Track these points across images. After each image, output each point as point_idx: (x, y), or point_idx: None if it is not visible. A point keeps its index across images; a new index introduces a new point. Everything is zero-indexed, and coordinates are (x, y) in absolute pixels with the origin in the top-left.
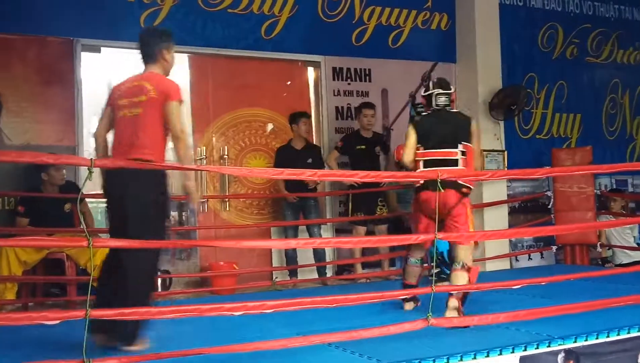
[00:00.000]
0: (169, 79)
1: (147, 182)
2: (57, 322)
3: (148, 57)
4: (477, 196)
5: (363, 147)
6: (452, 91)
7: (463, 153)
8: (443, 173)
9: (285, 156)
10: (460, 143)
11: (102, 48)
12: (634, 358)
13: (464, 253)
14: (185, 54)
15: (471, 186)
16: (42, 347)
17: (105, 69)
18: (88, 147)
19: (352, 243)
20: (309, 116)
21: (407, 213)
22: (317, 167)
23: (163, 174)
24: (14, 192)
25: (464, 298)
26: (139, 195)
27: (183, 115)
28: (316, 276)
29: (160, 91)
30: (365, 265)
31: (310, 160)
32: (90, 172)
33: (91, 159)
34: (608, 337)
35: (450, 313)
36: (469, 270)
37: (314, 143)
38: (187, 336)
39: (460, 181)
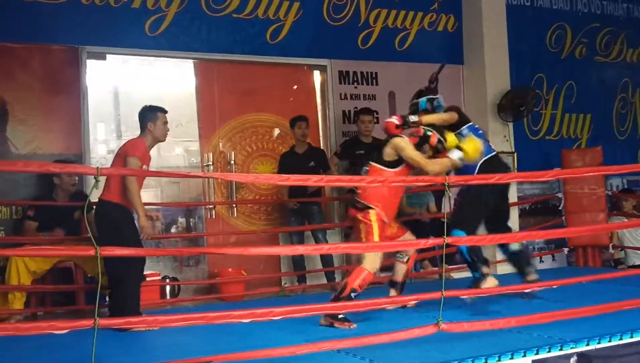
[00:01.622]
0: (138, 141)
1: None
2: (66, 331)
3: (141, 128)
4: None
5: (362, 152)
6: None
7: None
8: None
9: (287, 162)
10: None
11: (107, 55)
12: None
13: (368, 259)
14: (191, 60)
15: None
16: (51, 356)
17: (111, 76)
18: (95, 154)
19: (361, 249)
20: (305, 119)
21: (412, 219)
22: (321, 170)
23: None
24: (23, 201)
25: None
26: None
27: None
28: (325, 281)
29: (123, 150)
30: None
31: (312, 163)
32: (97, 181)
33: (97, 167)
34: (621, 339)
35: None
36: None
37: (321, 146)
38: (196, 344)
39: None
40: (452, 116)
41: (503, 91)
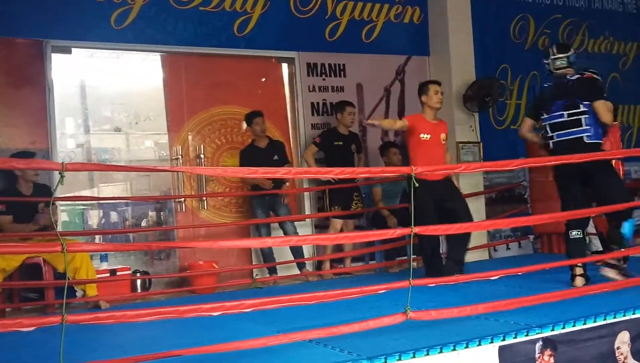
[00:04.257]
0: (415, 115)
1: None
2: (33, 328)
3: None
4: None
5: (340, 143)
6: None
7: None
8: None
9: (250, 156)
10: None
11: (72, 49)
12: (610, 345)
13: None
14: (158, 53)
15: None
16: (18, 354)
17: (77, 70)
18: (63, 148)
19: (329, 240)
20: (262, 114)
21: (387, 208)
22: (283, 163)
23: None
24: None
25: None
26: None
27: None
28: (296, 271)
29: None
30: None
31: (276, 157)
32: (62, 176)
33: (62, 163)
34: (585, 324)
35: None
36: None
37: (290, 138)
38: (167, 337)
39: None
40: None
41: (468, 82)
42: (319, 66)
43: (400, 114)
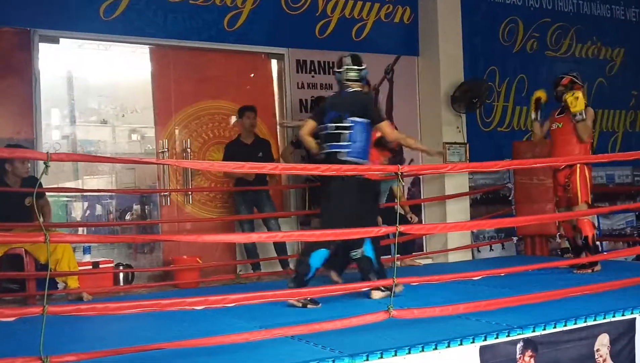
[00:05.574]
0: None
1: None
2: (14, 318)
3: None
4: (440, 188)
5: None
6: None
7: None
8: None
9: (235, 151)
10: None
11: (60, 39)
12: (590, 347)
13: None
14: (146, 46)
15: None
16: None
17: (64, 61)
18: (48, 139)
19: (314, 237)
20: (254, 109)
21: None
22: (268, 161)
23: None
24: None
25: None
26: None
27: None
28: (280, 268)
29: None
30: None
31: (260, 154)
32: (47, 166)
33: (47, 153)
34: (565, 326)
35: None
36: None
37: (277, 135)
38: (148, 331)
39: None
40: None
41: (457, 83)
42: (308, 63)
43: (389, 114)
